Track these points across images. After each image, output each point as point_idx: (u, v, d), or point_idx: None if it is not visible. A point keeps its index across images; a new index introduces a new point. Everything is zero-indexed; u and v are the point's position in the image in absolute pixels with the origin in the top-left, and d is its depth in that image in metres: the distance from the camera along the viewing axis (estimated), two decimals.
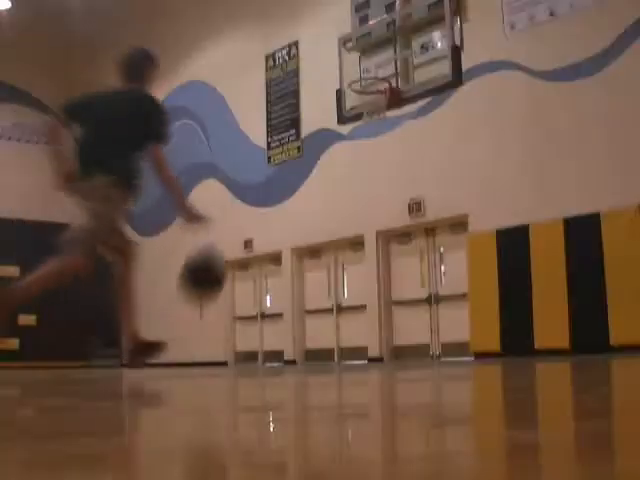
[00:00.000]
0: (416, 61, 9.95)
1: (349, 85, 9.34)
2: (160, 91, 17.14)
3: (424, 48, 11.15)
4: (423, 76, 9.08)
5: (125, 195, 5.11)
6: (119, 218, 5.21)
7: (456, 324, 10.74)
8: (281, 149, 13.87)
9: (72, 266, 4.93)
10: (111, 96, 5.33)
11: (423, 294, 11.57)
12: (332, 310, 12.96)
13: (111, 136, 5.08)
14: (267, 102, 14.27)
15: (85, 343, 16.69)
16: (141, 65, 5.40)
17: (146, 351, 5.33)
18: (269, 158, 14.08)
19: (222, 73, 15.34)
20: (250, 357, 14.45)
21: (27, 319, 16.26)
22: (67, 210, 22.57)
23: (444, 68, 8.43)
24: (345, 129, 11.94)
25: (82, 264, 4.92)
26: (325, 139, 12.86)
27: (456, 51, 8.40)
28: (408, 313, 11.72)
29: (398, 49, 9.32)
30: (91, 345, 16.81)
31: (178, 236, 16.24)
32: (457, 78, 8.38)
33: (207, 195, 15.47)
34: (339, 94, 9.21)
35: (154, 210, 16.95)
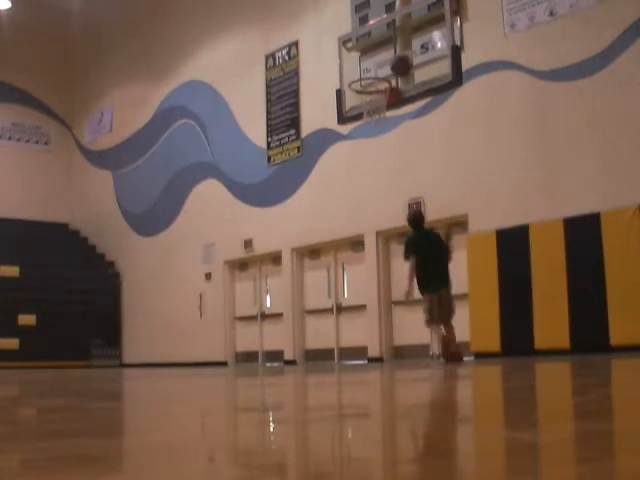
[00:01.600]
0: (416, 61, 9.93)
1: (349, 85, 9.31)
2: (161, 91, 17.20)
3: (424, 48, 11.15)
4: (423, 76, 9.06)
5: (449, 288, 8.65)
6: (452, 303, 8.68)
7: (456, 324, 10.70)
8: (281, 149, 13.86)
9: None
10: (424, 235, 8.71)
11: None
12: (332, 310, 12.96)
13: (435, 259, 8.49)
14: (267, 102, 14.26)
15: (85, 343, 16.67)
16: (421, 217, 8.91)
17: (456, 357, 8.42)
18: (269, 158, 14.08)
19: (222, 73, 15.33)
20: (250, 357, 14.45)
21: (27, 319, 16.23)
22: (66, 210, 22.40)
23: (444, 68, 8.41)
24: (345, 129, 11.93)
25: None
26: (325, 139, 12.86)
27: (456, 51, 8.37)
28: (408, 313, 11.71)
29: (398, 49, 9.29)
30: (91, 345, 16.79)
31: (178, 236, 16.31)
32: (457, 78, 8.35)
33: (207, 195, 15.49)
34: (339, 94, 9.18)
35: (154, 210, 16.96)
